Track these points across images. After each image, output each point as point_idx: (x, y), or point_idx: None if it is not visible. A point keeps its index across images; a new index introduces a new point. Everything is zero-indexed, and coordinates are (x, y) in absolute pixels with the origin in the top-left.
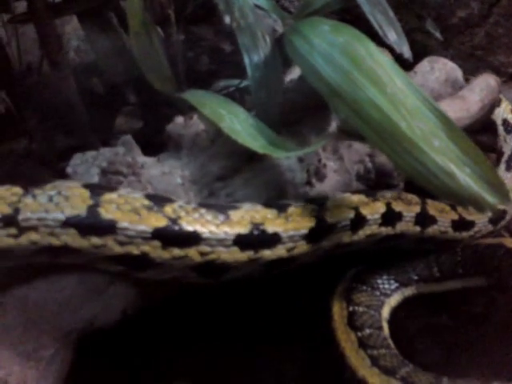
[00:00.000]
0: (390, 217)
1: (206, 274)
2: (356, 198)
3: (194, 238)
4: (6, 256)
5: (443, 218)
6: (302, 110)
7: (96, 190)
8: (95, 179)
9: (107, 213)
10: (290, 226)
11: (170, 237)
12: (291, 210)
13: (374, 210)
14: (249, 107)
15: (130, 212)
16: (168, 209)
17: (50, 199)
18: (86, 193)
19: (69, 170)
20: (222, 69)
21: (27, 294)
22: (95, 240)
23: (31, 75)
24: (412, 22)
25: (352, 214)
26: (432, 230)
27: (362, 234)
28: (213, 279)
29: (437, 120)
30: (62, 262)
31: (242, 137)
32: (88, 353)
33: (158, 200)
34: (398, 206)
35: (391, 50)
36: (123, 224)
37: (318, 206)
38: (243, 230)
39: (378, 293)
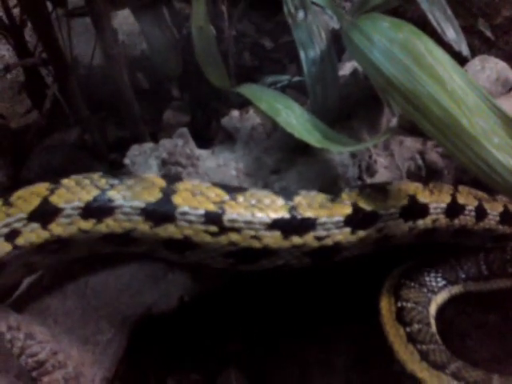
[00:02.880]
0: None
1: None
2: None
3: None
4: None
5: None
6: (353, 106)
7: (288, 195)
8: (154, 170)
9: (304, 212)
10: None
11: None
12: None
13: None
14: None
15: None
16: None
17: (250, 203)
18: (279, 199)
19: (126, 160)
20: (263, 65)
21: (87, 280)
22: (296, 240)
23: (78, 68)
24: (465, 21)
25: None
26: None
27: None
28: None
29: (496, 117)
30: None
31: (299, 131)
32: (142, 338)
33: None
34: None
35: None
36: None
37: None
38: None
39: (425, 290)
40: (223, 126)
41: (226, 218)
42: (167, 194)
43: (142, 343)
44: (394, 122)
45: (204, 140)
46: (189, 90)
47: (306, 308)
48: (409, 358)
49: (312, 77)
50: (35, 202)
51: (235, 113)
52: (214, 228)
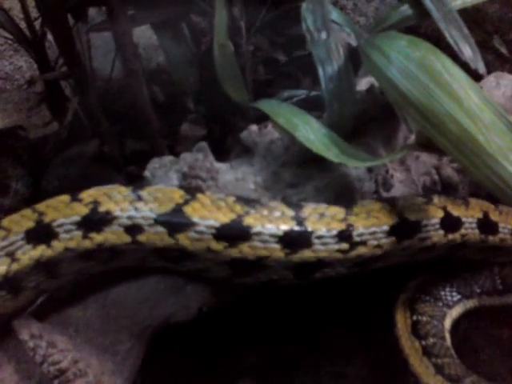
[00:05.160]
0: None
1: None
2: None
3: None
4: None
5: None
6: (368, 121)
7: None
8: (174, 183)
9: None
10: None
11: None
12: None
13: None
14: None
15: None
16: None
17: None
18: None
19: (147, 173)
20: (277, 78)
21: (107, 290)
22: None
23: (96, 81)
24: (479, 37)
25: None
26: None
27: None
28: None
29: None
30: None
31: (316, 146)
32: (159, 348)
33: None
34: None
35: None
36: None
37: None
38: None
39: (440, 304)
40: (242, 140)
41: (355, 233)
42: (300, 221)
43: (159, 353)
44: (412, 138)
45: (220, 153)
46: (205, 103)
47: (321, 319)
48: (424, 371)
49: (329, 93)
50: (171, 205)
51: (254, 127)
52: (345, 245)
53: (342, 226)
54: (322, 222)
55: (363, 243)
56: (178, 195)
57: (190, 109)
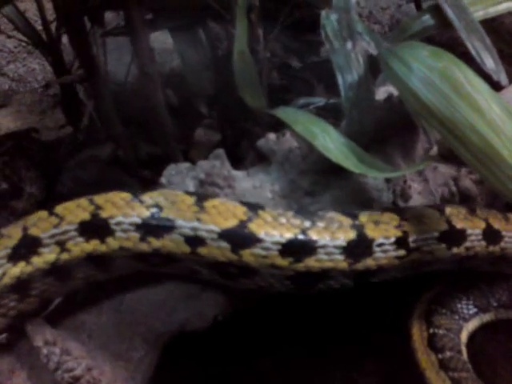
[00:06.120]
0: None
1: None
2: None
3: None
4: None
5: None
6: (386, 131)
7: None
8: (190, 190)
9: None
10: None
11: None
12: None
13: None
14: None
15: None
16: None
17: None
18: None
19: (163, 179)
20: (291, 84)
21: (122, 297)
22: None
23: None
24: (496, 46)
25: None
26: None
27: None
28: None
29: None
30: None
31: (335, 155)
32: (173, 355)
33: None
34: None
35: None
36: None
37: None
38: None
39: (457, 316)
40: (258, 148)
41: (410, 239)
42: (359, 230)
43: (172, 360)
44: (435, 150)
45: (234, 160)
46: (219, 109)
47: (334, 329)
48: None
49: (349, 101)
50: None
51: (272, 135)
52: (402, 252)
53: (399, 233)
54: (380, 229)
55: (418, 249)
56: (241, 211)
57: (204, 114)
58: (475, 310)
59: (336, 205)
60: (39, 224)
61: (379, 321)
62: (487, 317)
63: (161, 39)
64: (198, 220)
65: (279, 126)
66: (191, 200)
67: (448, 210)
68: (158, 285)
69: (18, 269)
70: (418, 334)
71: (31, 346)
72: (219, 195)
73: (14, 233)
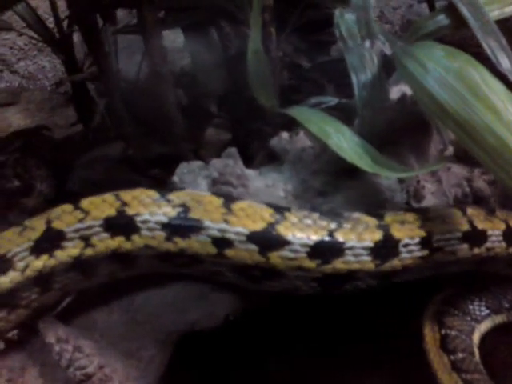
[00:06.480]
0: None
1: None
2: None
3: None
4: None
5: None
6: (400, 131)
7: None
8: (203, 189)
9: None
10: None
11: None
12: None
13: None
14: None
15: None
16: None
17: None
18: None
19: (175, 178)
20: (301, 84)
21: (133, 295)
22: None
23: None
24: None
25: None
26: None
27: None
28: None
29: None
30: None
31: (349, 155)
32: (183, 355)
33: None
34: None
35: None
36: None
37: None
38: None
39: (469, 318)
40: (271, 147)
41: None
42: (385, 231)
43: (183, 359)
44: (450, 150)
45: (243, 159)
46: (229, 108)
47: (346, 330)
48: None
49: (362, 101)
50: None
51: (285, 134)
52: (426, 252)
53: (423, 233)
54: (405, 229)
55: (441, 249)
56: (268, 213)
57: (214, 113)
58: (487, 311)
59: (348, 205)
60: (63, 217)
61: (392, 322)
62: (499, 318)
63: (171, 38)
64: (226, 222)
65: (290, 126)
66: (219, 202)
67: (469, 210)
68: (168, 284)
69: (41, 262)
70: (430, 335)
71: (43, 343)
72: (232, 194)
73: (38, 225)
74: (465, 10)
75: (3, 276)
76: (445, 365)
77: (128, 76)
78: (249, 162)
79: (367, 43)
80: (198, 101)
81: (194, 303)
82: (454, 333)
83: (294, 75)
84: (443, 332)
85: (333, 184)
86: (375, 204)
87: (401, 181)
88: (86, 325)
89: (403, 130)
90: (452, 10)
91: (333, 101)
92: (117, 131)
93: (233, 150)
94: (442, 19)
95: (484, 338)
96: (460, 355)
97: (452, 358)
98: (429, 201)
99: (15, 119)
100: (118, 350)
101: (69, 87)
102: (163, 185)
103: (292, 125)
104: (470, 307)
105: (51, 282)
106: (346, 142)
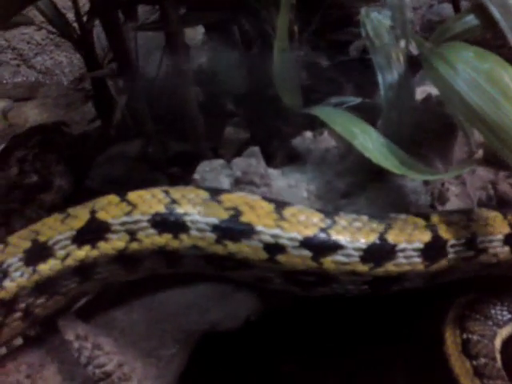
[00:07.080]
0: None
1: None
2: None
3: None
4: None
5: None
6: (424, 132)
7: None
8: (225, 187)
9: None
10: None
11: None
12: None
13: None
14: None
15: None
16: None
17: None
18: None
19: (196, 176)
20: (320, 83)
21: (154, 294)
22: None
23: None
24: None
25: None
26: None
27: None
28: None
29: None
30: None
31: (375, 156)
32: (202, 355)
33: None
34: None
35: None
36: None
37: None
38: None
39: (490, 322)
40: (294, 146)
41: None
42: (434, 231)
43: (203, 359)
44: (480, 153)
45: (263, 158)
46: (248, 106)
47: (363, 332)
48: None
49: (389, 101)
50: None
51: (308, 134)
52: (471, 253)
53: (468, 234)
54: (452, 230)
55: (485, 251)
56: (319, 218)
57: (232, 111)
58: (509, 315)
59: (372, 207)
60: (109, 209)
61: (412, 325)
62: None
63: (190, 35)
64: (279, 227)
65: (309, 125)
66: (270, 207)
67: (509, 215)
68: (189, 284)
69: (83, 252)
70: (451, 340)
71: (62, 340)
72: (256, 193)
73: (81, 214)
74: (495, 11)
75: (43, 263)
76: (467, 370)
77: (147, 73)
78: (268, 161)
79: (402, 43)
80: (216, 99)
81: (215, 303)
82: (475, 337)
83: (312, 74)
84: (465, 336)
85: (357, 185)
86: (399, 206)
87: (425, 183)
88: (106, 323)
89: (428, 131)
90: (481, 11)
91: (354, 100)
92: (137, 128)
93: (255, 149)
94: (471, 20)
95: (506, 343)
96: (482, 360)
97: (474, 363)
98: (453, 203)
99: (32, 114)
100: (138, 349)
101: (86, 83)
102: (183, 182)
103: (312, 124)
104: (492, 311)
105: (91, 272)
106: (371, 143)
